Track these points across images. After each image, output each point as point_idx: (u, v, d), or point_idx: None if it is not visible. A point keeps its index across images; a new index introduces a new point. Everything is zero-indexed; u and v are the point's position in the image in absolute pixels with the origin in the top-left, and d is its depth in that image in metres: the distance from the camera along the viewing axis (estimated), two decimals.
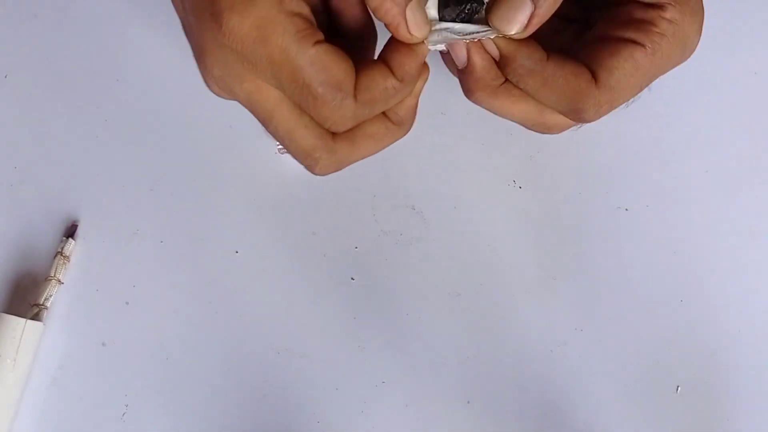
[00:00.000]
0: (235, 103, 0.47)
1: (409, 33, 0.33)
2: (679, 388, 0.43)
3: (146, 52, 0.48)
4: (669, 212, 0.46)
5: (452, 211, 0.46)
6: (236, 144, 0.47)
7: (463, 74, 0.37)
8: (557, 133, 0.41)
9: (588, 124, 0.47)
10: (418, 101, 0.37)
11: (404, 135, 0.37)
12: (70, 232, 0.45)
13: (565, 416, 0.42)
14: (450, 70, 0.39)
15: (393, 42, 0.34)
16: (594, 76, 0.36)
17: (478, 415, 0.42)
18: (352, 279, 0.45)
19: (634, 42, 0.36)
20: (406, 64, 0.34)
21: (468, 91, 0.38)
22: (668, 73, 0.48)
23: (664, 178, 0.46)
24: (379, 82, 0.34)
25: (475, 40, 0.36)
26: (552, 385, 0.43)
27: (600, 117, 0.37)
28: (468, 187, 0.46)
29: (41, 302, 0.43)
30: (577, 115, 0.37)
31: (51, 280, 0.43)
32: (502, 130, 0.47)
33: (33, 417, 0.42)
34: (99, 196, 0.46)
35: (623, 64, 0.36)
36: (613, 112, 0.38)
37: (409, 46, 0.34)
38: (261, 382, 0.43)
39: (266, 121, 0.35)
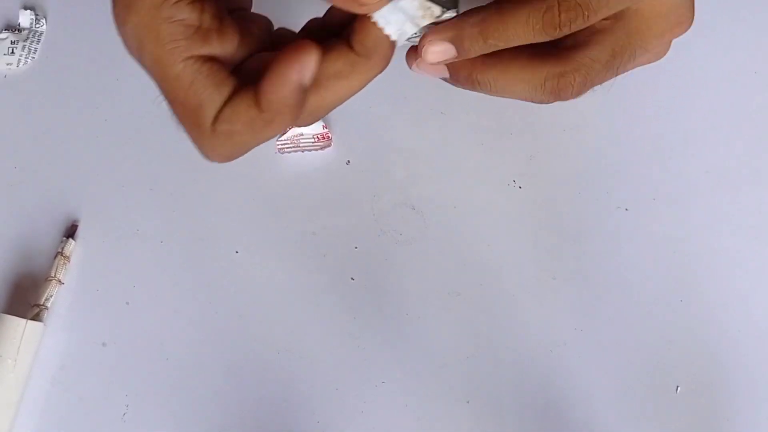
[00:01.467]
0: None
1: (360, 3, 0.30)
2: (679, 388, 0.43)
3: None
4: (669, 212, 0.46)
5: (452, 211, 0.46)
6: None
7: (452, 73, 0.36)
8: (574, 91, 0.36)
9: (590, 126, 0.47)
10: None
11: (377, 70, 0.33)
12: (70, 232, 0.45)
13: (565, 416, 0.42)
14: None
15: (268, 69, 0.30)
16: None
17: (477, 415, 0.42)
18: (352, 279, 0.45)
19: None
20: (270, 91, 0.30)
21: (467, 80, 0.36)
22: (668, 73, 0.48)
23: (664, 178, 0.46)
24: (241, 113, 0.30)
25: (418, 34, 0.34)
26: (552, 385, 0.43)
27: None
28: (468, 187, 0.46)
29: (42, 302, 0.43)
30: (559, 17, 0.33)
31: (51, 280, 0.43)
32: (502, 130, 0.47)
33: (34, 417, 0.42)
34: (99, 196, 0.46)
35: None
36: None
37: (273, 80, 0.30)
38: (261, 382, 0.43)
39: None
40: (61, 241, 0.44)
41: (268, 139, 0.32)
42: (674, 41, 0.38)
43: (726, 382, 0.43)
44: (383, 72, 0.33)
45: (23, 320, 0.41)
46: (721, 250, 0.45)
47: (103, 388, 0.43)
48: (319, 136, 0.46)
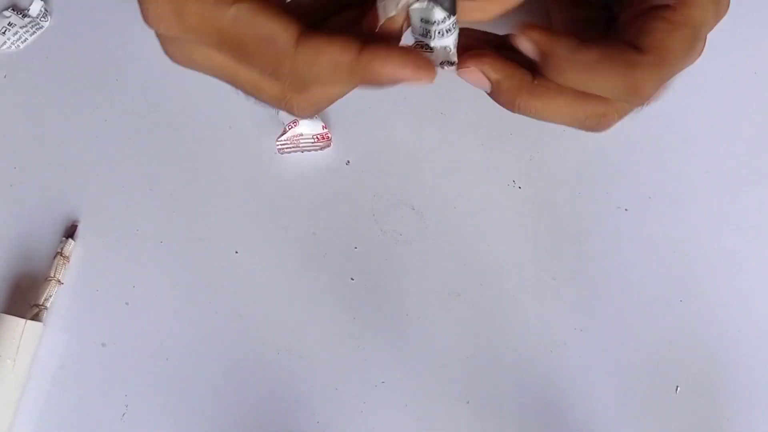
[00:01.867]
0: (235, 103, 0.48)
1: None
2: (679, 388, 0.43)
3: (146, 52, 0.48)
4: (669, 212, 0.46)
5: (452, 211, 0.46)
6: (236, 144, 0.47)
7: (494, 93, 0.36)
8: (609, 127, 0.38)
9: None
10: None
11: None
12: (70, 232, 0.45)
13: (565, 416, 0.42)
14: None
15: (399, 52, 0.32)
16: (636, 47, 0.34)
17: (477, 415, 0.42)
18: (352, 279, 0.45)
19: (658, 7, 0.35)
20: (384, 57, 0.31)
21: (509, 104, 0.36)
22: None
23: (664, 178, 0.46)
24: (334, 53, 0.31)
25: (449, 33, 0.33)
26: (552, 385, 0.43)
27: (659, 86, 0.35)
28: (468, 187, 0.46)
29: (41, 303, 0.43)
30: (636, 92, 0.34)
31: (51, 280, 0.43)
32: (502, 130, 0.47)
33: (33, 417, 0.42)
34: (99, 196, 0.46)
35: (657, 25, 0.34)
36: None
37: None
38: (261, 382, 0.43)
39: (233, 83, 0.33)
40: (61, 241, 0.44)
41: (341, 95, 0.34)
42: None
43: (726, 382, 0.43)
44: None
45: (22, 320, 0.41)
46: (721, 250, 0.45)
47: (103, 388, 0.43)
48: (319, 136, 0.46)
